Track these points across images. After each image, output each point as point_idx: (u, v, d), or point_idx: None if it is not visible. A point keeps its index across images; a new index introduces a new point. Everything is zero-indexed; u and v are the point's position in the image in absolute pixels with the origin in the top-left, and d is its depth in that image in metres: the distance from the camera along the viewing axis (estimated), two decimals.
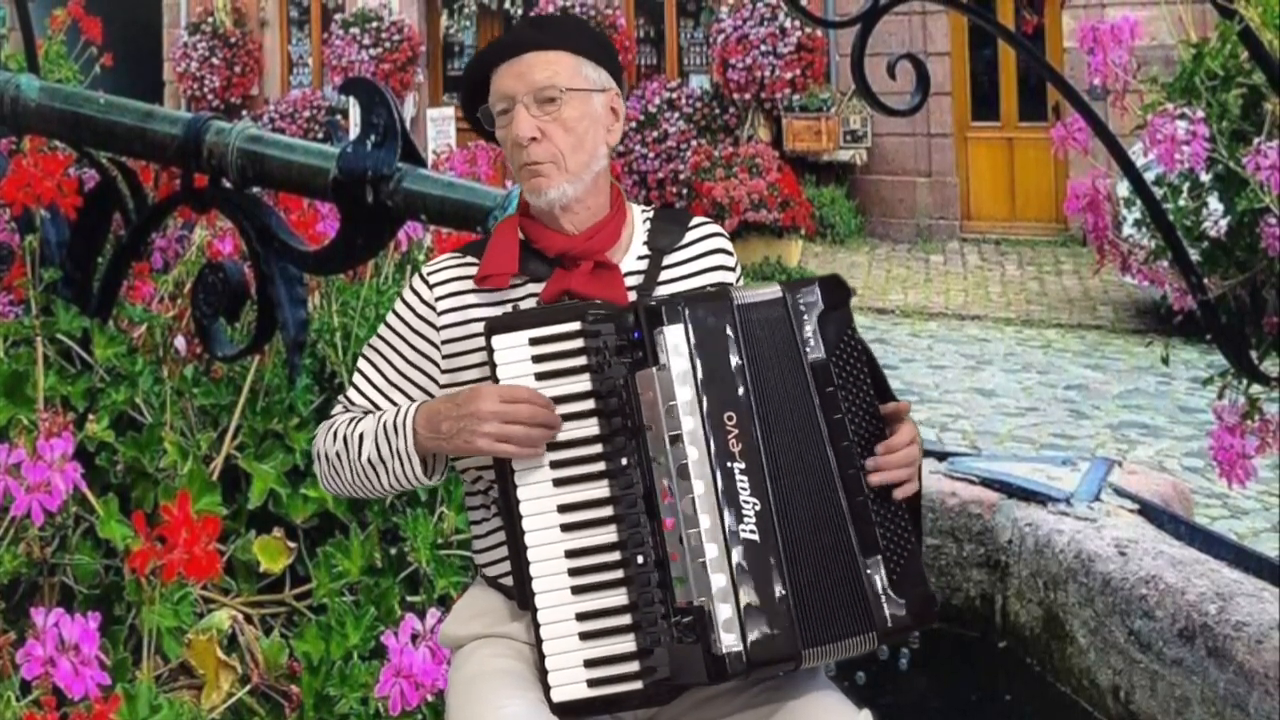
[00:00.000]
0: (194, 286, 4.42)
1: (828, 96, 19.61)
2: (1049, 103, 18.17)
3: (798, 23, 19.33)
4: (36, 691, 3.03)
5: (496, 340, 2.63)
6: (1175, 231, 3.41)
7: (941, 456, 5.57)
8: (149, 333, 4.63)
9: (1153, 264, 3.59)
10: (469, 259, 2.85)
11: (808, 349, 2.64)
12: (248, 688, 3.53)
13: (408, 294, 2.87)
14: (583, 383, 2.62)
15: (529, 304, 2.76)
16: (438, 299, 2.82)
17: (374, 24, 22.64)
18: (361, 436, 2.75)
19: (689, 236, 2.91)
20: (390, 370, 2.86)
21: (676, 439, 2.53)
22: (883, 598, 2.56)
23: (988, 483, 5.18)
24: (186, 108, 22.33)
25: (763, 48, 19.57)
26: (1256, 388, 3.47)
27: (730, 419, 2.55)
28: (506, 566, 2.73)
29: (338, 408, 2.93)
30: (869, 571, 2.57)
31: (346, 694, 3.52)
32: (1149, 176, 3.47)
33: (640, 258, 2.86)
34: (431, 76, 23.53)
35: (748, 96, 19.81)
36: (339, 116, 20.44)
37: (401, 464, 2.70)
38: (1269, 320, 3.44)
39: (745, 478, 2.53)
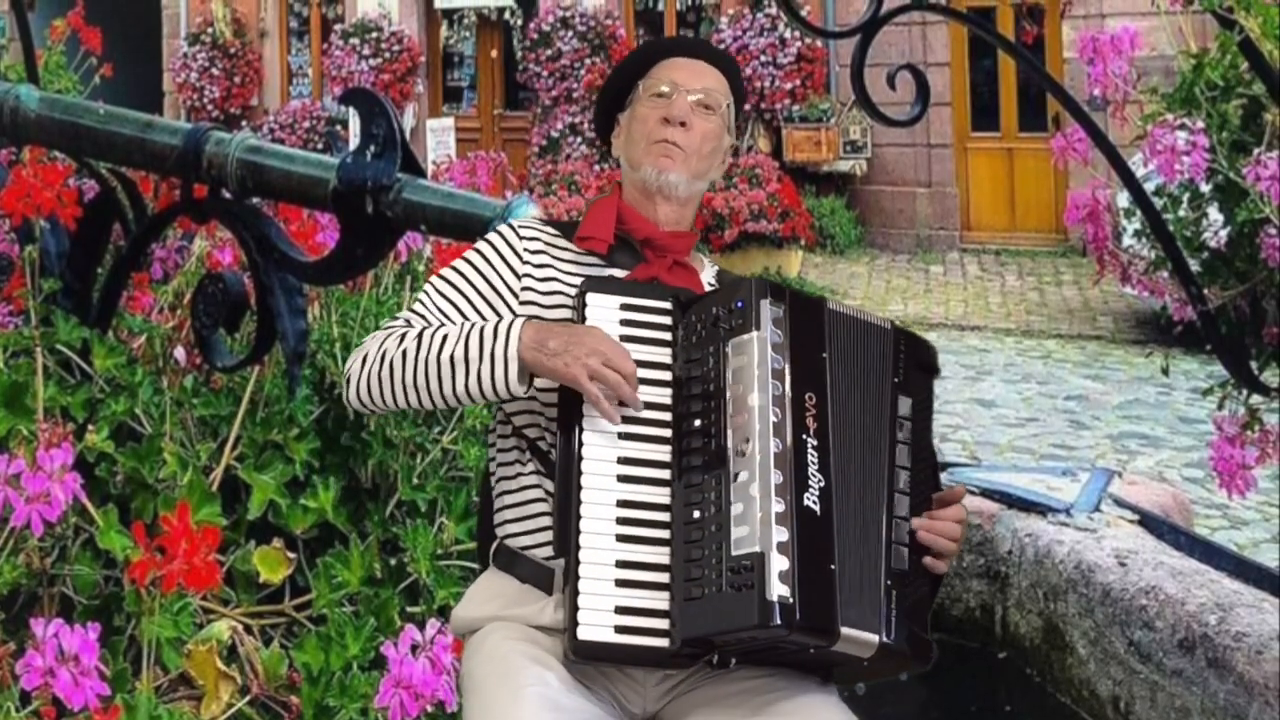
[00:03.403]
0: (194, 297, 4.42)
1: (827, 107, 19.63)
2: (1049, 113, 18.19)
3: (797, 33, 19.35)
4: (36, 702, 3.03)
5: (590, 298, 2.73)
6: (1175, 242, 3.42)
7: (942, 467, 5.55)
8: (149, 343, 4.62)
9: (1153, 274, 3.59)
10: (552, 230, 2.99)
11: (897, 380, 2.78)
12: (247, 698, 3.53)
13: (494, 238, 2.98)
14: (663, 355, 2.71)
15: None
16: (526, 250, 2.92)
17: (374, 34, 22.67)
18: (445, 337, 2.74)
19: None
20: (461, 299, 2.91)
21: (764, 399, 2.57)
22: (893, 613, 2.61)
23: (988, 493, 5.18)
24: (186, 118, 22.30)
25: (762, 58, 19.60)
26: (1256, 398, 3.47)
27: (810, 399, 2.63)
28: (531, 525, 2.81)
29: (395, 322, 2.92)
30: (889, 583, 2.63)
31: (346, 705, 3.51)
32: (1149, 187, 3.48)
33: (711, 285, 3.01)
34: (431, 87, 23.54)
35: (747, 107, 19.82)
36: (339, 127, 20.44)
37: (493, 367, 2.67)
38: (1269, 331, 3.44)
39: (815, 455, 2.59)
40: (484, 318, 2.85)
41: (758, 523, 2.50)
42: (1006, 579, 4.92)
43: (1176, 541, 4.73)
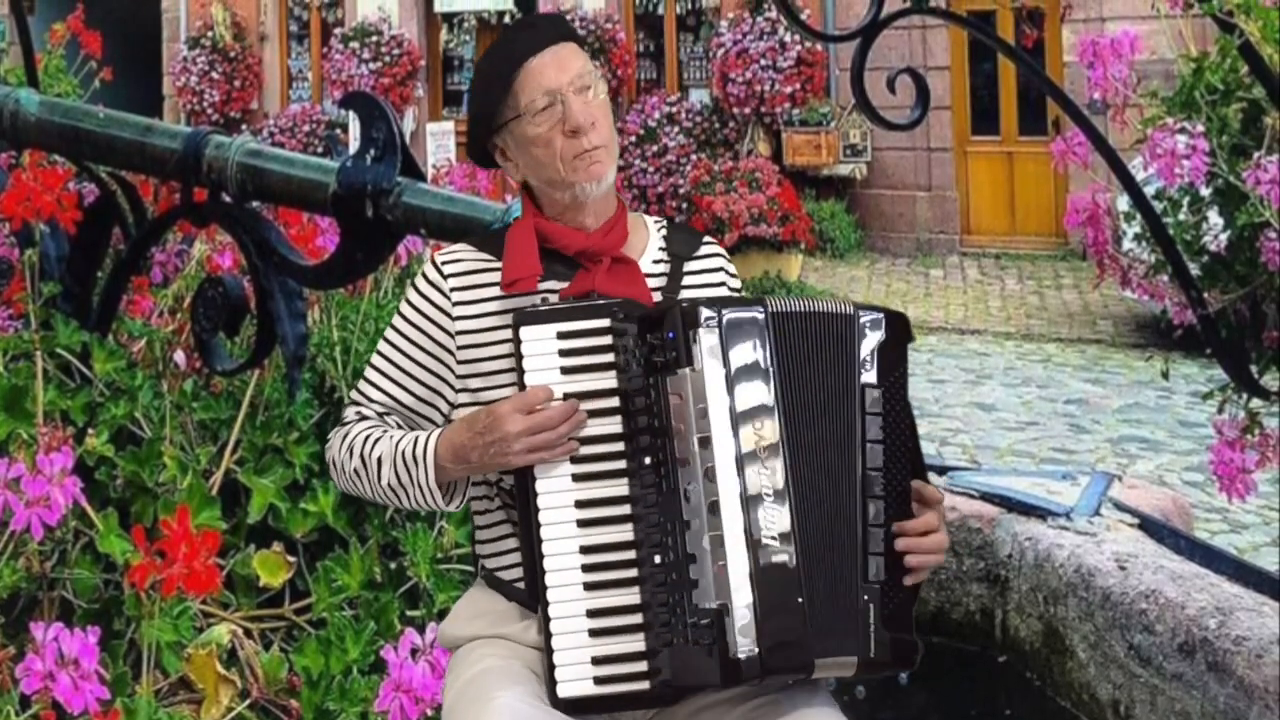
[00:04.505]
0: (193, 301, 4.42)
1: (827, 111, 19.64)
2: (1049, 117, 18.20)
3: (797, 37, 19.37)
4: (36, 706, 3.03)
5: (524, 332, 2.61)
6: (1175, 246, 3.41)
7: (941, 471, 5.56)
8: (148, 347, 4.63)
9: (1153, 278, 3.58)
10: (482, 254, 2.83)
11: (863, 370, 2.64)
12: (247, 702, 3.53)
13: (421, 284, 2.85)
14: (608, 380, 2.61)
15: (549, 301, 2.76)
16: (453, 290, 2.80)
17: (374, 38, 22.67)
18: (380, 461, 2.73)
19: (704, 250, 2.95)
20: (406, 362, 2.83)
21: (705, 442, 2.51)
22: (872, 628, 2.56)
23: (988, 497, 5.17)
24: (186, 122, 22.32)
25: (762, 62, 19.60)
26: (1256, 402, 3.46)
27: (759, 426, 2.54)
28: (509, 560, 2.76)
29: (350, 411, 2.89)
30: (865, 598, 2.56)
31: (346, 708, 3.52)
32: (1149, 191, 3.47)
33: (657, 261, 2.88)
34: (431, 91, 23.55)
35: (747, 111, 19.84)
36: (338, 131, 20.44)
37: (422, 493, 2.70)
38: (1269, 335, 3.44)
39: (769, 485, 2.52)
40: (435, 374, 2.80)
41: (712, 577, 2.47)
42: (1006, 583, 4.92)
43: (1176, 545, 4.73)
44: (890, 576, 2.59)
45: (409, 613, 3.97)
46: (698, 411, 2.52)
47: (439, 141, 18.77)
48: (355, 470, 2.78)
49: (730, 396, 2.53)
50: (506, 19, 22.49)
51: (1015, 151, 19.42)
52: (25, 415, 4.00)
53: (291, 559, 3.98)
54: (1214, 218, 3.43)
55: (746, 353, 2.57)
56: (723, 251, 3.01)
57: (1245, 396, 3.48)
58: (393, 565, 4.08)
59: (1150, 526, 4.89)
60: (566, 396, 2.60)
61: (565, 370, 2.61)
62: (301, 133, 22.95)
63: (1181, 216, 3.52)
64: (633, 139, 20.16)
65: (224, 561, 3.87)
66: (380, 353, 2.88)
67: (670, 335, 2.56)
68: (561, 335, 2.62)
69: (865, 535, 2.58)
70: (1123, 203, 3.63)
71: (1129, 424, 10.96)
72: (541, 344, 2.62)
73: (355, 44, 22.76)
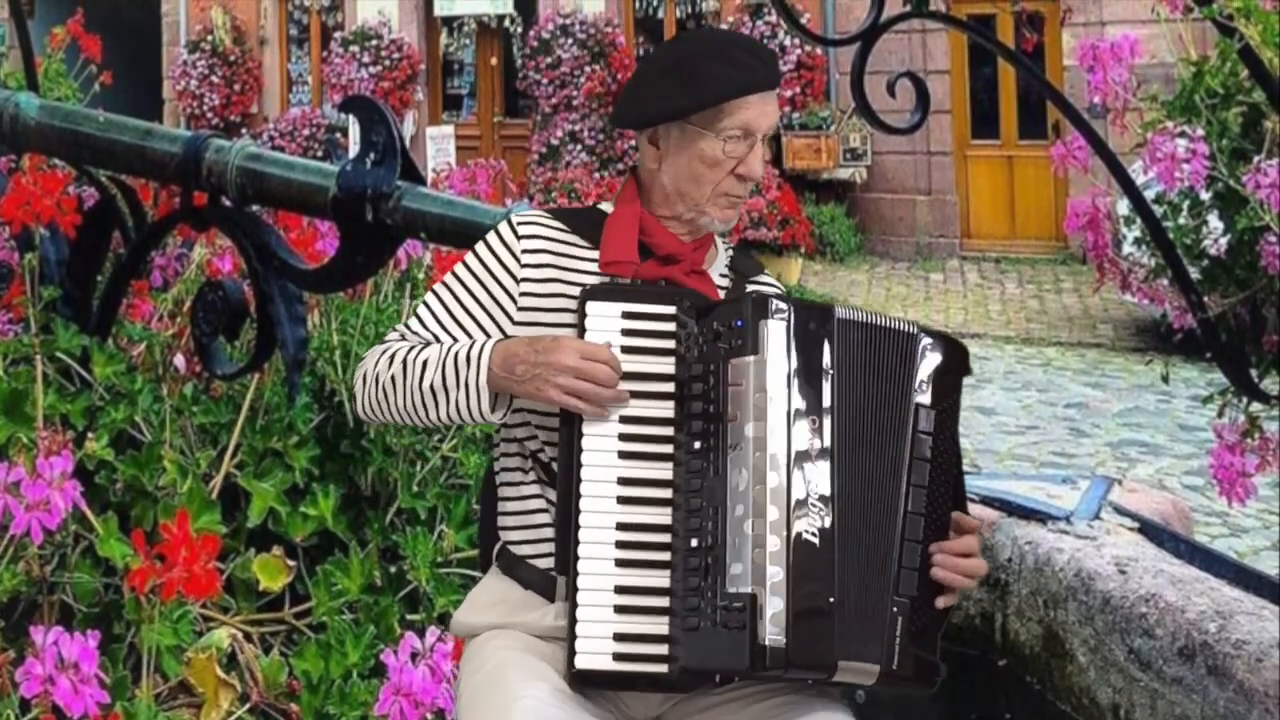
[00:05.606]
0: (193, 305, 4.42)
1: (827, 114, 19.64)
2: (1049, 121, 18.21)
3: (797, 41, 19.35)
4: (36, 710, 3.02)
5: (591, 307, 2.67)
6: (1175, 250, 3.41)
7: None
8: (148, 351, 4.62)
9: (1152, 282, 3.59)
10: (558, 224, 2.89)
11: (919, 390, 2.67)
12: (247, 706, 3.53)
13: (493, 240, 2.89)
14: (665, 365, 2.64)
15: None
16: (524, 251, 2.84)
17: (373, 42, 22.66)
18: (425, 363, 2.73)
19: (763, 277, 3.03)
20: (459, 310, 2.86)
21: (760, 430, 2.53)
22: (897, 640, 2.57)
23: (988, 501, 5.17)
24: (186, 126, 22.32)
25: None
26: (1256, 406, 3.46)
27: (814, 422, 2.56)
28: (533, 535, 2.78)
29: (393, 335, 2.91)
30: (895, 610, 2.58)
31: (346, 712, 3.51)
32: (1149, 195, 3.48)
33: (723, 276, 2.95)
34: (431, 94, 23.54)
35: None
36: (338, 134, 20.46)
37: (468, 396, 2.68)
38: (1269, 338, 3.44)
39: (816, 482, 2.54)
40: (484, 329, 2.82)
41: (750, 562, 2.48)
42: (1006, 586, 4.91)
43: (1176, 549, 4.72)
44: (922, 594, 2.61)
45: (409, 616, 3.97)
46: (756, 399, 2.55)
47: (439, 145, 18.76)
48: (392, 376, 2.77)
49: (789, 389, 2.56)
50: (506, 22, 22.52)
51: (1015, 155, 19.42)
52: (25, 419, 4.00)
53: (291, 563, 3.98)
54: (1214, 221, 3.44)
55: (810, 351, 2.61)
56: (776, 283, 3.07)
57: (1245, 400, 3.49)
58: (393, 569, 4.08)
59: (1150, 530, 4.88)
60: (621, 375, 2.62)
61: (625, 350, 2.65)
62: (301, 136, 22.95)
63: (1181, 220, 3.52)
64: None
65: (224, 565, 3.87)
66: (437, 295, 2.91)
67: (739, 323, 2.60)
68: (627, 315, 2.67)
69: (902, 548, 2.60)
70: (1123, 207, 3.63)
71: (1129, 428, 10.97)
72: (606, 321, 2.66)
73: (355, 48, 22.75)
